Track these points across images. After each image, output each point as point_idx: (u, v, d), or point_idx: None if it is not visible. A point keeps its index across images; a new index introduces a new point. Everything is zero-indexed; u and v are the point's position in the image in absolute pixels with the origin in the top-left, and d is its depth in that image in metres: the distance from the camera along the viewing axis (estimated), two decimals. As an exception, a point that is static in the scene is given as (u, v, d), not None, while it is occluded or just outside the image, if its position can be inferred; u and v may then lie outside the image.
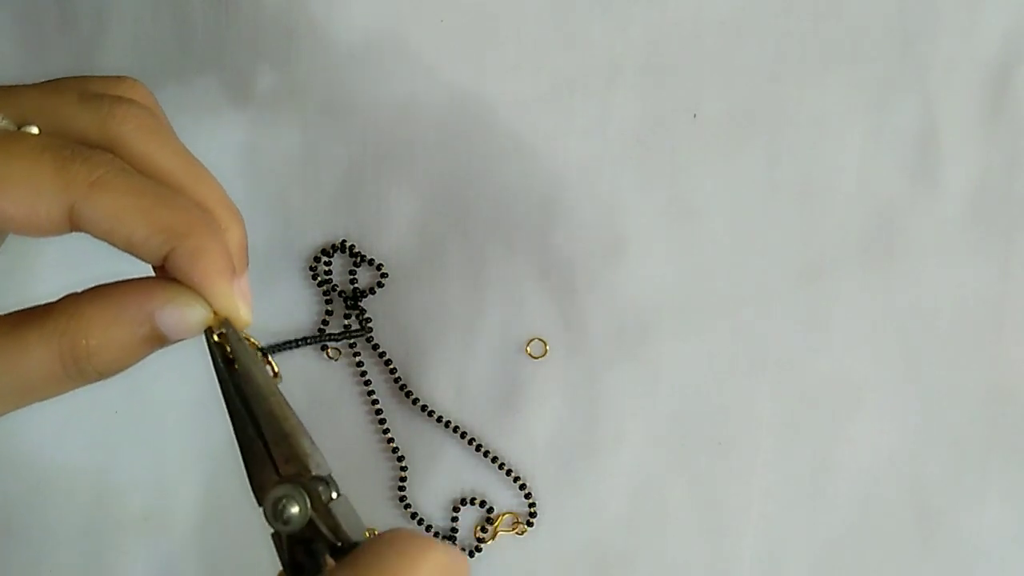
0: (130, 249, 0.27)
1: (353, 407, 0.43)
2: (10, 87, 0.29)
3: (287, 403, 0.28)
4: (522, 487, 0.42)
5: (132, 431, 0.43)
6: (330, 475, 0.28)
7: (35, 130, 0.28)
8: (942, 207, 0.43)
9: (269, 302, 0.43)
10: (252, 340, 0.29)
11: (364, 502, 0.42)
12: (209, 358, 0.28)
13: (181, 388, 0.42)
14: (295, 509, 0.26)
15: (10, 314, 0.27)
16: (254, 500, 0.27)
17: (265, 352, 0.29)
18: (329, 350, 0.43)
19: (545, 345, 0.43)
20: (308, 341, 0.41)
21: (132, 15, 0.44)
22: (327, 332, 0.42)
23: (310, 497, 0.27)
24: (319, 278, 0.43)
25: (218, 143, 0.43)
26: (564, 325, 0.43)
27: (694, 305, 0.43)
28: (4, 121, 0.27)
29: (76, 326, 0.26)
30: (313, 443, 0.28)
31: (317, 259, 0.43)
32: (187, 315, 0.27)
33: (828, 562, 0.42)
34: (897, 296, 0.43)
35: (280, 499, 0.26)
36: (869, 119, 0.43)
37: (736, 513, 0.42)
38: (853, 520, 0.42)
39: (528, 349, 0.43)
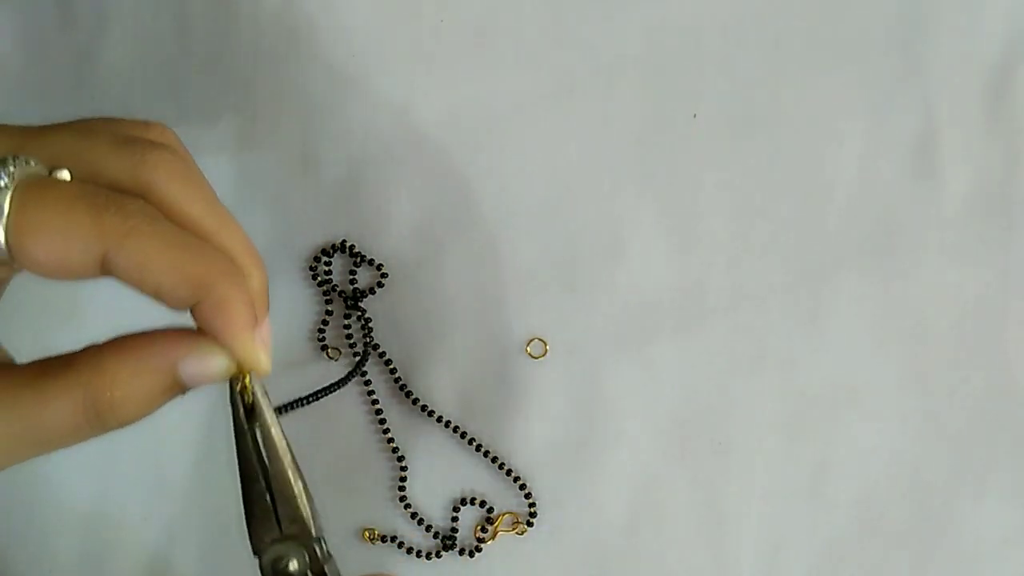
0: (158, 297, 0.27)
1: (353, 407, 0.43)
2: (41, 128, 0.29)
3: (297, 463, 0.29)
4: (522, 487, 0.42)
5: (132, 432, 0.43)
6: (323, 536, 0.29)
7: (66, 174, 0.28)
8: (942, 207, 0.43)
9: (269, 302, 0.43)
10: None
11: (364, 502, 0.43)
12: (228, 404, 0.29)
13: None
14: (295, 567, 0.28)
15: (31, 364, 0.28)
16: (249, 549, 0.29)
17: (280, 411, 0.31)
18: (329, 350, 0.43)
19: (545, 345, 0.43)
20: (316, 396, 0.41)
21: (132, 15, 0.44)
22: (333, 384, 0.42)
23: (310, 558, 0.28)
24: (319, 278, 0.43)
25: (218, 143, 0.43)
26: (564, 325, 0.43)
27: (694, 305, 0.43)
28: (37, 166, 0.27)
29: (99, 380, 0.27)
30: (315, 505, 0.29)
31: (317, 259, 0.43)
32: (209, 365, 0.28)
33: (828, 562, 0.42)
34: (897, 296, 0.43)
35: (281, 557, 0.28)
36: (869, 119, 0.43)
37: (736, 513, 0.42)
38: (853, 520, 0.42)
39: (528, 349, 0.43)
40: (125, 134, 0.29)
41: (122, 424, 0.28)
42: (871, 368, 0.42)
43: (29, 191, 0.26)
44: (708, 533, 0.42)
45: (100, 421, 0.27)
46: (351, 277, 0.43)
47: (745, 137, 0.43)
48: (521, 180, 0.43)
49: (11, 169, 0.26)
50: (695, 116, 0.43)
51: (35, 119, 0.44)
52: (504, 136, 0.43)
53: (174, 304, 0.27)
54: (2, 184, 0.26)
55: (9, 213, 0.26)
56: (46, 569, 0.43)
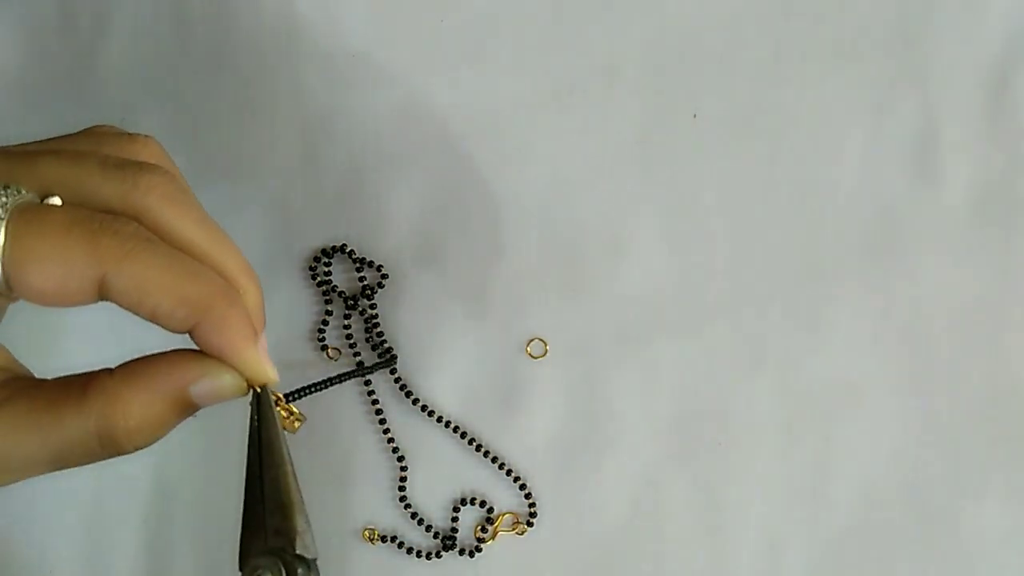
0: (155, 320, 0.27)
1: (353, 407, 0.43)
2: (27, 153, 0.29)
3: (295, 477, 0.29)
4: (522, 487, 0.42)
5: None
6: (315, 561, 0.28)
7: (58, 200, 0.27)
8: (942, 207, 0.43)
9: (269, 303, 0.43)
10: (278, 396, 0.31)
11: (364, 502, 0.43)
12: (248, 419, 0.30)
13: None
14: None
15: (52, 383, 0.28)
16: (236, 563, 0.29)
17: (290, 398, 0.31)
18: (329, 350, 0.43)
19: (545, 345, 0.43)
20: (340, 379, 0.41)
21: (132, 15, 0.44)
22: (357, 369, 0.42)
23: (286, 573, 0.27)
24: (319, 279, 0.43)
25: (218, 143, 0.44)
26: (564, 325, 0.43)
27: (694, 305, 0.43)
28: (28, 195, 0.27)
29: (112, 410, 0.27)
30: (308, 523, 0.28)
31: (317, 259, 0.43)
32: (220, 386, 0.28)
33: (828, 562, 0.42)
34: (897, 296, 0.43)
35: (257, 568, 0.27)
36: (869, 119, 0.43)
37: (736, 513, 0.42)
38: (853, 520, 0.42)
39: (528, 349, 0.43)
40: (115, 156, 0.29)
41: (136, 448, 0.28)
42: (871, 368, 0.42)
43: (23, 220, 0.26)
44: (708, 533, 0.42)
45: (115, 447, 0.28)
46: (358, 276, 0.43)
47: (745, 137, 0.43)
48: (521, 180, 0.43)
49: (4, 200, 0.26)
50: (695, 116, 0.43)
51: (35, 120, 0.44)
52: (504, 136, 0.43)
53: (173, 326, 0.27)
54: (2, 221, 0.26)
55: (5, 243, 0.25)
56: (46, 569, 0.43)
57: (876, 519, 0.42)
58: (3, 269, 0.26)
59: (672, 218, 0.43)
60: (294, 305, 0.43)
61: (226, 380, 0.28)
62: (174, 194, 0.29)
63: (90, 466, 0.43)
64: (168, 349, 0.29)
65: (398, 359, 0.42)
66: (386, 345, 0.42)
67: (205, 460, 0.43)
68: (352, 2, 0.44)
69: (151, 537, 0.43)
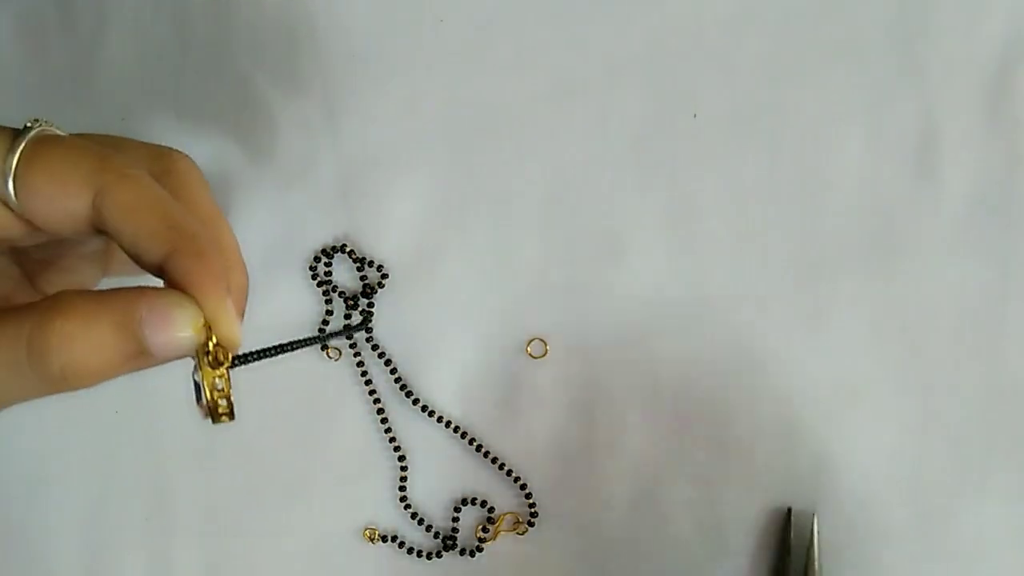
0: (135, 245, 0.27)
1: (354, 407, 0.43)
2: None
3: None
4: (522, 487, 0.42)
5: (132, 431, 0.43)
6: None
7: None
8: (942, 207, 0.43)
9: (269, 302, 0.43)
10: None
11: (365, 502, 0.43)
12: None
13: (181, 388, 0.42)
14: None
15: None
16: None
17: (239, 361, 0.28)
18: (329, 350, 0.43)
19: (545, 345, 0.43)
20: (309, 342, 0.40)
21: (132, 15, 0.44)
22: (327, 332, 0.42)
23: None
24: (319, 279, 0.43)
25: (218, 143, 0.44)
26: (564, 325, 0.43)
27: (694, 305, 0.43)
28: (56, 129, 0.29)
29: (49, 327, 0.25)
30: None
31: (317, 259, 0.43)
32: (175, 318, 0.26)
33: (828, 562, 0.42)
34: (897, 296, 0.43)
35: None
36: (869, 119, 0.43)
37: (736, 513, 0.42)
38: (853, 520, 0.42)
39: (528, 349, 0.43)
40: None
41: (75, 383, 0.25)
42: (871, 368, 0.42)
43: (44, 140, 0.28)
44: (708, 533, 0.42)
45: (47, 375, 0.25)
46: (359, 276, 0.43)
47: (745, 137, 0.43)
48: (521, 180, 0.43)
49: (29, 126, 0.28)
50: (695, 116, 0.43)
51: (35, 119, 0.44)
52: (504, 136, 0.43)
53: (152, 250, 0.26)
54: (24, 138, 0.28)
55: (22, 153, 0.27)
56: (46, 570, 0.43)
57: (876, 519, 0.42)
58: (14, 176, 0.27)
59: (672, 218, 0.43)
60: (294, 305, 0.43)
61: (183, 314, 0.26)
62: (198, 173, 0.31)
63: (91, 466, 0.43)
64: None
65: (369, 327, 0.42)
66: (372, 340, 0.42)
67: (205, 459, 0.43)
68: (352, 2, 0.44)
69: (151, 537, 0.43)
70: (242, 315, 0.30)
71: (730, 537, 0.42)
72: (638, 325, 0.43)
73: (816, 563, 0.41)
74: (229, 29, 0.44)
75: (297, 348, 0.33)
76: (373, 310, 0.43)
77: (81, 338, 0.25)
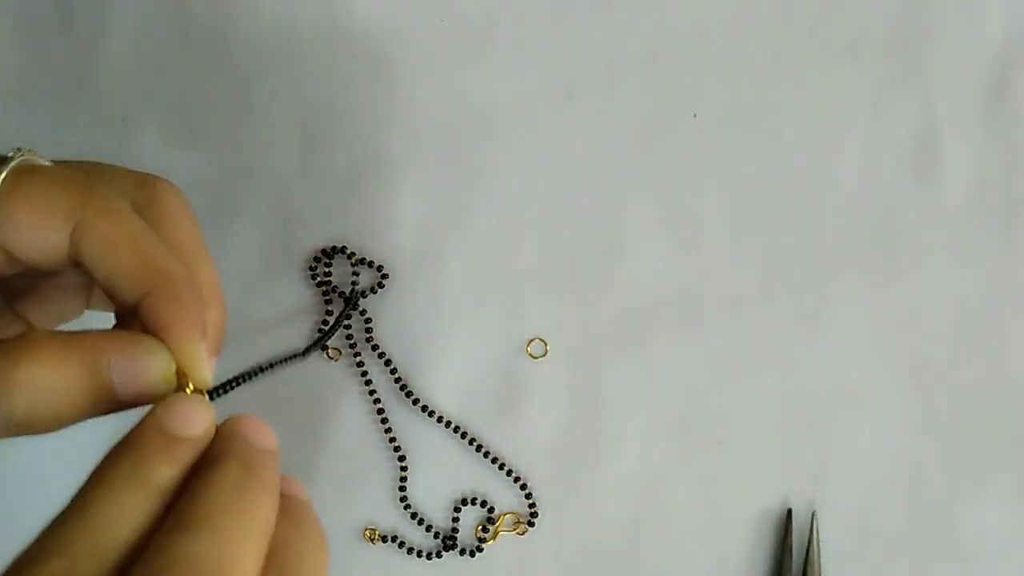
0: (110, 282, 0.26)
1: (354, 407, 0.43)
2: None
3: None
4: (522, 487, 0.42)
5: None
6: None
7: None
8: (942, 206, 0.43)
9: (269, 303, 0.43)
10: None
11: (365, 502, 0.43)
12: None
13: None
14: None
15: None
16: None
17: (216, 393, 0.28)
18: (329, 350, 0.43)
19: (545, 345, 0.43)
20: (278, 365, 0.41)
21: (132, 15, 0.44)
22: (297, 353, 0.42)
23: None
24: (319, 279, 0.43)
25: (218, 144, 0.43)
26: (564, 325, 0.43)
27: (694, 305, 0.43)
28: (40, 159, 0.28)
29: (14, 369, 0.24)
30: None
31: (317, 259, 0.43)
32: (145, 365, 0.25)
33: (828, 562, 0.42)
34: (897, 295, 0.43)
35: None
36: (869, 119, 0.43)
37: (736, 513, 0.42)
38: (853, 520, 0.42)
39: (528, 349, 0.43)
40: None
41: (39, 426, 0.25)
42: (871, 368, 0.42)
43: (27, 169, 0.27)
44: (708, 533, 0.42)
45: (9, 418, 0.24)
46: (353, 278, 0.43)
47: (745, 137, 0.43)
48: (521, 180, 0.43)
49: (11, 156, 0.27)
50: (695, 116, 0.43)
51: (35, 119, 0.44)
52: (504, 136, 0.43)
53: (126, 289, 0.26)
54: (5, 167, 0.27)
55: (4, 181, 0.26)
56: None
57: (876, 519, 0.42)
58: None
59: (672, 218, 0.43)
60: (294, 305, 0.43)
61: (153, 361, 0.25)
62: (183, 202, 0.30)
63: (90, 465, 0.43)
64: None
65: (373, 335, 0.42)
66: (372, 340, 0.42)
67: (205, 460, 0.43)
68: (352, 2, 0.44)
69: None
70: (217, 353, 0.29)
71: (730, 537, 0.42)
72: (638, 325, 0.43)
73: (816, 563, 0.41)
74: (229, 29, 0.44)
75: (266, 372, 0.38)
76: (349, 320, 0.42)
77: (47, 381, 0.24)
